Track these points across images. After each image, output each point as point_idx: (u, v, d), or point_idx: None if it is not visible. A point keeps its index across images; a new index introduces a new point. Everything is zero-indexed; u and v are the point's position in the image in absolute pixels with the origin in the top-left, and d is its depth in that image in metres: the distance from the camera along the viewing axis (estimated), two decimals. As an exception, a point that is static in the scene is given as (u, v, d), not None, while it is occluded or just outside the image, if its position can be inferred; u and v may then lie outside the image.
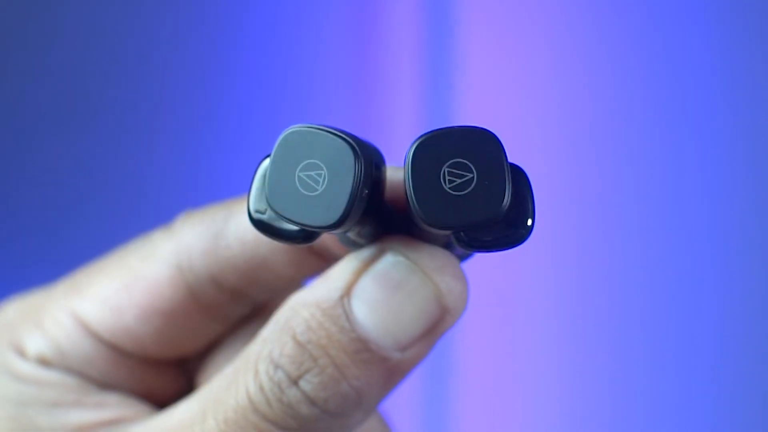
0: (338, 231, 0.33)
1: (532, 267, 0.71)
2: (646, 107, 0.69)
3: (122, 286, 0.43)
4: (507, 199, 0.33)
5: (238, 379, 0.38)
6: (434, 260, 0.36)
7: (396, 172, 0.38)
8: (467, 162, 0.33)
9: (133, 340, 0.43)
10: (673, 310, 0.69)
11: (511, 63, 0.72)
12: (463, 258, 0.39)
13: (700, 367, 0.69)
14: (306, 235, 0.34)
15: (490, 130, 0.33)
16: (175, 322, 0.43)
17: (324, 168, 0.32)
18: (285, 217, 0.32)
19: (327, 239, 0.41)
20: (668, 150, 0.69)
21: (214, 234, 0.42)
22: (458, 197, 0.32)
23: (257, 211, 0.35)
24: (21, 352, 0.43)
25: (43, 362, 0.43)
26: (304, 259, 0.42)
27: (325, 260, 0.41)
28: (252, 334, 0.44)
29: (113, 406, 0.43)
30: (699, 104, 0.67)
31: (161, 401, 0.44)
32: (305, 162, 0.33)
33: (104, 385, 0.43)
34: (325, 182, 0.32)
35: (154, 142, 0.77)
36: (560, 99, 0.70)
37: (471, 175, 0.33)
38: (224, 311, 0.44)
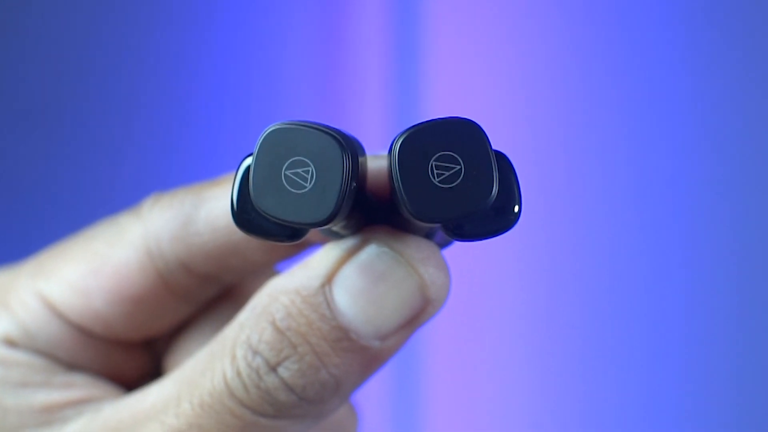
0: (328, 227, 0.34)
1: (500, 261, 0.71)
2: (615, 101, 0.70)
3: (90, 271, 0.43)
4: (495, 188, 0.33)
5: (214, 363, 0.38)
6: (419, 251, 0.36)
7: (373, 161, 0.38)
8: (454, 154, 0.33)
9: (101, 323, 0.43)
10: (641, 306, 0.70)
11: (477, 57, 0.72)
12: (442, 246, 0.39)
13: (668, 364, 0.70)
14: (293, 233, 0.34)
15: (473, 120, 0.33)
16: (144, 306, 0.43)
17: (311, 164, 0.32)
18: (274, 217, 0.32)
19: None
20: (637, 141, 0.69)
21: (184, 220, 0.42)
22: (447, 189, 0.33)
23: (242, 212, 0.34)
24: None
25: (10, 343, 0.43)
26: (277, 245, 0.42)
27: (297, 245, 0.42)
28: (222, 316, 0.44)
29: (81, 387, 0.43)
30: (667, 96, 0.68)
31: (129, 382, 0.44)
32: (291, 160, 0.32)
33: (72, 365, 0.43)
34: (314, 179, 0.32)
35: (122, 137, 0.76)
36: (527, 93, 0.71)
37: (458, 167, 0.33)
38: (194, 294, 0.44)
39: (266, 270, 0.44)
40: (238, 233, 0.41)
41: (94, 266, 0.43)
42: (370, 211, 0.37)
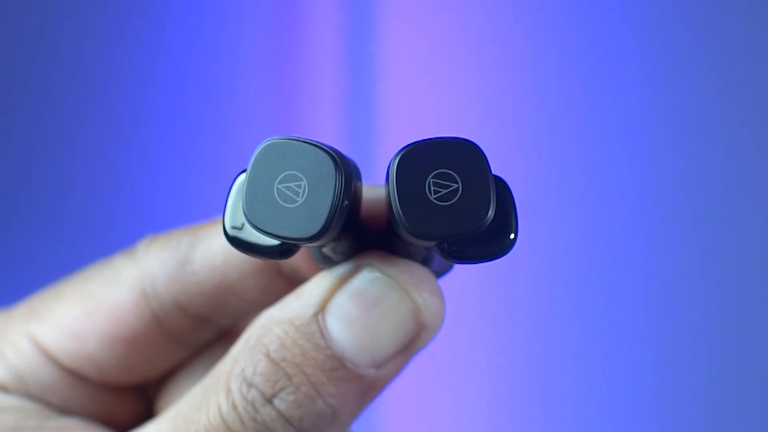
0: (317, 244, 0.33)
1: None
2: (567, 106, 0.69)
3: (84, 313, 0.42)
4: (492, 209, 0.33)
5: (209, 398, 0.37)
6: (412, 276, 0.36)
7: (371, 190, 0.38)
8: (452, 172, 0.33)
9: (95, 366, 0.42)
10: (596, 309, 0.69)
11: (431, 61, 0.73)
12: (439, 275, 0.39)
13: (624, 367, 0.69)
14: (284, 249, 0.34)
15: (473, 141, 0.33)
16: (139, 349, 0.42)
17: (304, 179, 0.32)
18: (265, 231, 0.32)
19: (298, 261, 0.40)
20: (587, 147, 0.69)
21: (180, 260, 0.41)
22: (444, 207, 0.32)
23: (233, 227, 0.34)
24: None
25: (2, 388, 0.42)
26: (273, 283, 0.41)
27: (294, 284, 0.41)
28: (216, 358, 0.44)
29: (74, 431, 0.42)
30: (617, 100, 0.68)
31: (122, 425, 0.44)
32: (284, 174, 0.32)
33: (64, 410, 0.43)
34: (306, 193, 0.32)
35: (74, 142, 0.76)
36: (480, 96, 0.71)
37: (456, 186, 0.33)
38: (189, 337, 0.43)
39: (262, 311, 0.43)
40: (234, 271, 0.41)
41: (88, 308, 0.42)
42: (364, 238, 0.37)
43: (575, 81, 0.69)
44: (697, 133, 0.67)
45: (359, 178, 0.36)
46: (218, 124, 0.76)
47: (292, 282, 0.41)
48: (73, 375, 0.43)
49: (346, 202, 0.32)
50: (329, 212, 0.32)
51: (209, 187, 0.75)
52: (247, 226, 0.33)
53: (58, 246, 0.75)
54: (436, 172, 0.33)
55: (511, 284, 0.70)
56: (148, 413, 0.44)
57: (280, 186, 0.32)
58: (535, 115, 0.69)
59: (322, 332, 0.36)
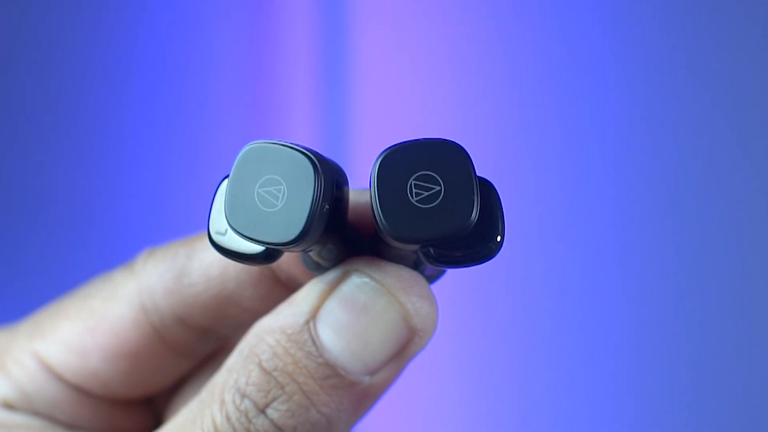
0: (299, 248, 0.33)
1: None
2: (544, 106, 0.69)
3: (86, 329, 0.42)
4: (475, 212, 0.32)
5: (203, 410, 0.37)
6: (400, 280, 0.35)
7: (362, 195, 0.37)
8: (434, 174, 0.32)
9: (99, 382, 0.42)
10: (584, 310, 0.68)
11: (406, 60, 0.72)
12: (433, 279, 0.38)
13: (602, 369, 0.68)
14: (267, 254, 0.33)
15: (458, 142, 0.33)
16: (142, 363, 0.42)
17: (283, 183, 0.32)
18: (245, 236, 0.32)
19: (294, 269, 0.40)
20: (565, 148, 0.68)
21: (178, 272, 0.41)
22: (425, 210, 0.32)
23: (217, 233, 0.34)
24: None
25: (7, 406, 0.42)
26: (271, 292, 0.41)
27: (292, 292, 0.41)
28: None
29: None
30: (595, 102, 0.67)
31: None
32: (264, 178, 0.32)
33: (71, 426, 0.42)
34: (285, 197, 0.32)
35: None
36: (456, 98, 0.70)
37: (438, 188, 0.32)
38: (191, 349, 0.43)
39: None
40: (231, 281, 0.41)
41: (90, 324, 0.42)
42: (354, 243, 0.36)
43: (554, 82, 0.68)
44: (685, 135, 0.66)
45: (345, 182, 0.35)
46: (192, 128, 0.76)
47: (290, 290, 0.40)
48: (79, 391, 0.42)
49: (326, 206, 0.32)
50: (308, 216, 0.31)
51: (174, 190, 0.74)
52: (230, 231, 0.33)
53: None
54: (418, 174, 0.32)
55: (496, 285, 0.69)
56: (156, 426, 0.44)
57: (260, 190, 0.32)
58: (513, 115, 0.69)
59: (314, 340, 0.35)
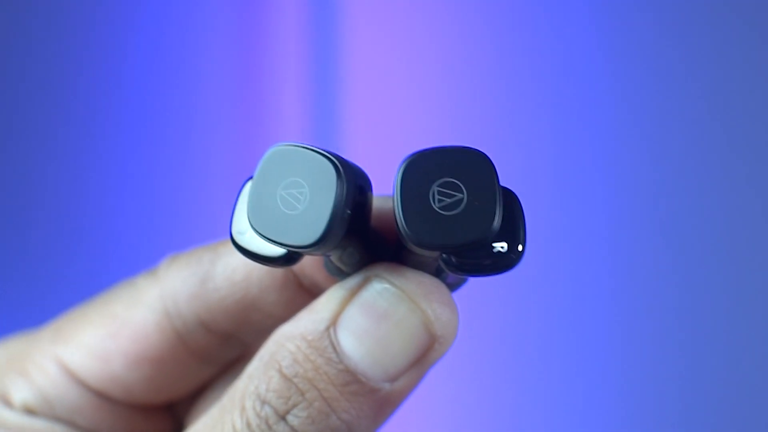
0: (318, 252, 0.33)
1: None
2: (537, 108, 0.68)
3: (108, 334, 0.42)
4: (497, 220, 0.32)
5: (224, 416, 0.37)
6: (421, 286, 0.35)
7: (386, 201, 0.37)
8: (457, 182, 0.32)
9: (121, 387, 0.42)
10: (567, 313, 0.68)
11: (396, 61, 0.72)
12: (454, 287, 0.38)
13: (594, 369, 0.68)
14: (287, 257, 0.33)
15: (482, 151, 0.33)
16: (164, 368, 0.42)
17: (306, 186, 0.32)
18: (265, 237, 0.32)
19: (318, 275, 0.40)
20: (557, 149, 0.68)
21: (202, 277, 0.41)
22: (447, 217, 0.32)
23: (239, 233, 0.34)
24: (6, 402, 0.42)
25: (29, 411, 0.42)
26: (295, 297, 0.41)
27: (315, 298, 0.40)
28: (243, 376, 0.43)
29: None
30: (588, 104, 0.67)
31: None
32: (287, 180, 0.32)
33: (93, 431, 0.42)
34: (307, 201, 0.32)
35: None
36: (446, 96, 0.70)
37: (461, 195, 0.32)
38: (214, 355, 0.43)
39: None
40: (255, 286, 0.40)
41: (112, 329, 0.42)
42: (377, 249, 0.36)
43: (546, 83, 0.68)
44: (679, 136, 0.66)
45: (369, 188, 0.35)
46: (192, 128, 0.76)
47: (314, 296, 0.40)
48: (101, 396, 0.42)
49: (348, 211, 0.32)
50: (329, 221, 0.31)
51: (167, 193, 0.74)
52: (252, 231, 0.33)
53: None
54: (441, 181, 0.32)
55: (494, 286, 0.69)
56: None
57: (283, 192, 0.32)
58: (504, 116, 0.69)
59: (334, 347, 0.35)
